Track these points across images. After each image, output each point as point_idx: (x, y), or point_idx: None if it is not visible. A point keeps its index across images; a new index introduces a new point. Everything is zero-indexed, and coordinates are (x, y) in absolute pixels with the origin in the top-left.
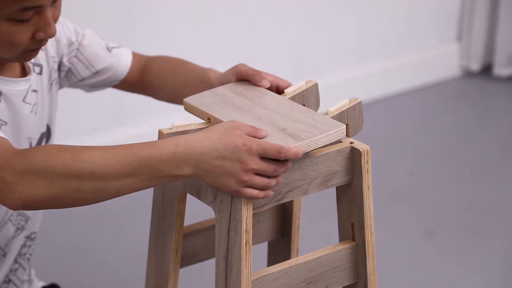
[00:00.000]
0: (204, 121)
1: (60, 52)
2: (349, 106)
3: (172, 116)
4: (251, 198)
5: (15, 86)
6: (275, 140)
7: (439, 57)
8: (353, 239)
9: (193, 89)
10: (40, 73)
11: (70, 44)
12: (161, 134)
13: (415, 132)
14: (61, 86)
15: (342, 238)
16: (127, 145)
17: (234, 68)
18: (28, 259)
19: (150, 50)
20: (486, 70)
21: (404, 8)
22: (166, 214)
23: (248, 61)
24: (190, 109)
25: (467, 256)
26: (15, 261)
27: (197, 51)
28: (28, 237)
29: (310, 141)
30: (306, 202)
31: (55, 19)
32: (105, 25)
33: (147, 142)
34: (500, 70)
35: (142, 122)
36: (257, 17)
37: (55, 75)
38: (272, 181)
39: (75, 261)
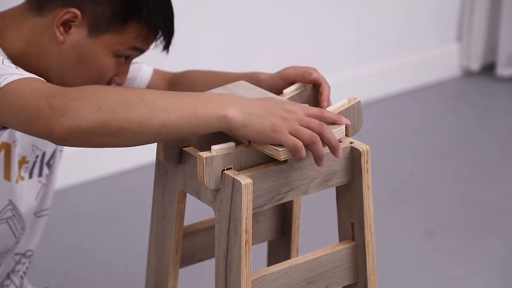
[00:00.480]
0: (244, 143)
1: None
2: (348, 106)
3: None
4: (292, 148)
5: None
6: None
7: (439, 57)
8: (353, 239)
9: None
10: None
11: None
12: (200, 159)
13: (415, 132)
14: None
15: (342, 238)
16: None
17: (282, 71)
18: (21, 277)
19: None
20: (487, 70)
21: (404, 8)
22: (166, 214)
23: (248, 61)
24: None
25: (467, 256)
26: (8, 276)
27: (196, 51)
28: (23, 255)
29: None
30: (306, 202)
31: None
32: None
33: None
34: (502, 70)
35: None
36: (257, 17)
37: None
38: (318, 143)
39: (75, 261)
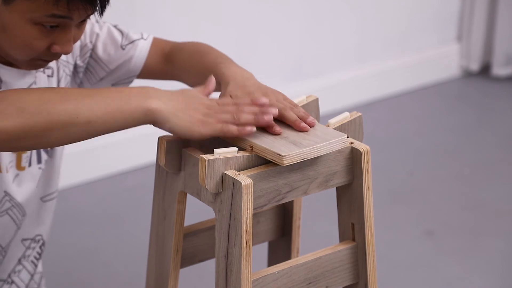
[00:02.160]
0: (246, 149)
1: (74, 54)
2: (349, 119)
3: None
4: (224, 134)
5: (18, 77)
6: (275, 146)
7: (439, 58)
8: (354, 239)
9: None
10: (52, 75)
11: (84, 46)
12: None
13: (415, 132)
14: (82, 86)
15: (342, 238)
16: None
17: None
18: (33, 263)
19: None
20: (487, 70)
21: (404, 9)
22: (166, 214)
23: (248, 61)
24: None
25: (467, 256)
26: (19, 262)
27: None
28: (33, 240)
29: (312, 148)
30: (306, 202)
31: (76, 39)
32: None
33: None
34: (498, 70)
35: None
36: (258, 17)
37: (66, 79)
38: (241, 114)
39: (75, 261)
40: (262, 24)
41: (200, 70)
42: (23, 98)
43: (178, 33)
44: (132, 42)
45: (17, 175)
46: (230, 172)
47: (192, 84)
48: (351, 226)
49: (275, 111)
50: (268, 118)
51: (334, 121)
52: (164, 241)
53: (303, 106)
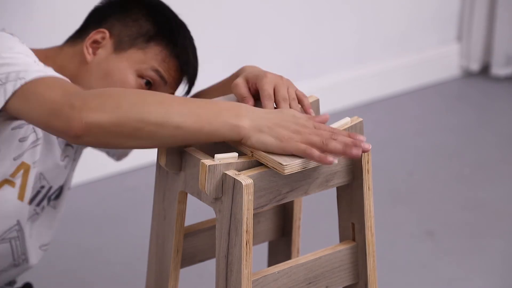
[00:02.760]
0: (247, 154)
1: None
2: (350, 125)
3: None
4: (302, 152)
5: None
6: (277, 155)
7: (439, 58)
8: (354, 239)
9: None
10: None
11: None
12: (204, 167)
13: (415, 133)
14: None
15: (342, 238)
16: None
17: (252, 76)
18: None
19: None
20: (487, 70)
21: (404, 9)
22: (166, 214)
23: (248, 61)
24: None
25: (467, 256)
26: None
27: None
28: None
29: None
30: (306, 202)
31: None
32: None
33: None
34: (498, 70)
35: None
36: (257, 17)
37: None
38: (331, 141)
39: (75, 261)
40: (262, 24)
41: None
42: (121, 96)
43: None
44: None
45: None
46: (231, 172)
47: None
48: (351, 226)
49: (368, 147)
50: (357, 152)
51: (335, 126)
52: (165, 241)
53: (348, 129)
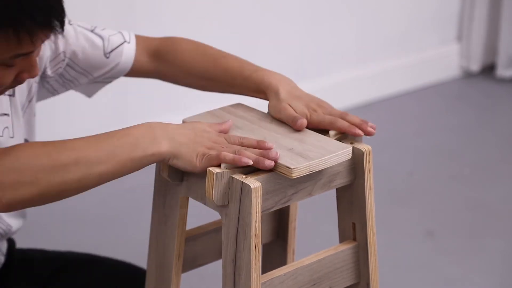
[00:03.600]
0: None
1: (42, 66)
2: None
3: (171, 117)
4: (225, 161)
5: None
6: (283, 159)
7: (439, 58)
8: (355, 239)
9: (238, 91)
10: (13, 94)
11: (57, 55)
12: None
13: (416, 133)
14: (56, 92)
15: (342, 239)
16: (107, 132)
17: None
18: None
19: None
20: (487, 70)
21: (404, 9)
22: (168, 219)
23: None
24: None
25: (467, 256)
26: None
27: None
28: None
29: (320, 160)
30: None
31: (36, 56)
32: (105, 25)
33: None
34: (503, 71)
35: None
36: (258, 18)
37: (34, 89)
38: (243, 149)
39: None
40: (262, 25)
41: (216, 75)
42: (36, 164)
43: (179, 34)
44: (116, 48)
45: None
46: (238, 176)
47: (195, 86)
48: (352, 226)
49: (275, 156)
50: (269, 164)
51: (334, 132)
52: (165, 246)
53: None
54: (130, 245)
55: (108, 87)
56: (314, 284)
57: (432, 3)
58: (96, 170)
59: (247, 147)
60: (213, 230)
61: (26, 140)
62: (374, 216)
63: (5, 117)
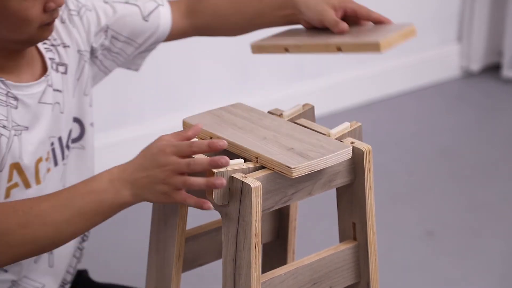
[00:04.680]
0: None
1: (90, 41)
2: (350, 130)
3: (171, 117)
4: (183, 203)
5: (28, 90)
6: (283, 158)
7: (440, 58)
8: (355, 239)
9: (268, 17)
10: (65, 72)
11: (100, 29)
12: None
13: (415, 133)
14: (107, 70)
15: (342, 238)
16: (71, 187)
17: (339, 2)
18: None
19: None
20: (487, 70)
21: (404, 9)
22: (168, 219)
23: (248, 61)
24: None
25: (467, 256)
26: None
27: (196, 50)
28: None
29: (320, 160)
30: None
31: None
32: None
33: (88, 178)
34: (508, 71)
35: (142, 123)
36: None
37: (82, 64)
38: (190, 178)
39: None
40: None
41: (245, 4)
42: (6, 233)
43: None
44: (153, 11)
45: (47, 179)
46: (238, 175)
47: (230, 29)
48: (352, 226)
49: (220, 182)
50: (221, 182)
51: (335, 131)
52: (166, 246)
53: (299, 115)
54: (130, 245)
55: (108, 87)
56: (315, 284)
57: (432, 3)
58: (66, 229)
59: (199, 152)
60: (213, 229)
61: (76, 119)
62: (374, 216)
63: (57, 92)
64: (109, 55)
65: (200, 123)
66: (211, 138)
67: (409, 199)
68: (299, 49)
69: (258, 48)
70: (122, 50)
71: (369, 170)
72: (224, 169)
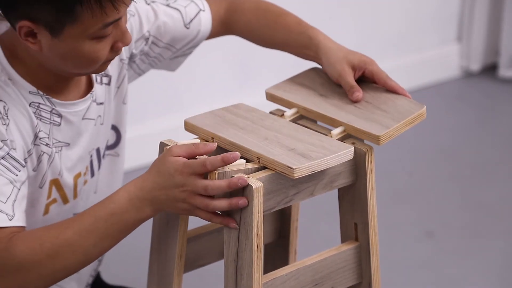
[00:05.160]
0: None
1: (131, 48)
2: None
3: (172, 117)
4: (210, 221)
5: (73, 108)
6: (285, 159)
7: (439, 58)
8: (356, 239)
9: (293, 49)
10: (109, 83)
11: (142, 35)
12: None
13: (415, 132)
14: (142, 72)
15: (344, 239)
16: (90, 210)
17: (359, 62)
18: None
19: None
20: (487, 70)
21: (404, 9)
22: (169, 219)
23: (248, 61)
24: (192, 129)
25: (467, 256)
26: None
27: (197, 49)
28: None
29: (321, 160)
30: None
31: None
32: None
33: (106, 199)
34: (505, 71)
35: (143, 123)
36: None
37: (123, 73)
38: (212, 203)
39: None
40: None
41: (276, 31)
42: (38, 262)
43: None
44: (194, 18)
45: (83, 191)
46: (239, 176)
47: (259, 43)
48: (354, 226)
49: (244, 183)
50: (243, 202)
51: (336, 132)
52: (167, 247)
53: (301, 115)
54: (131, 245)
55: None
56: (316, 284)
57: (432, 3)
58: (93, 252)
59: (213, 170)
60: (215, 230)
61: (113, 126)
62: (376, 216)
63: (100, 106)
64: (147, 59)
65: (204, 123)
66: (212, 138)
67: (409, 199)
68: (307, 113)
69: (271, 97)
70: (160, 54)
71: (371, 170)
72: (226, 169)
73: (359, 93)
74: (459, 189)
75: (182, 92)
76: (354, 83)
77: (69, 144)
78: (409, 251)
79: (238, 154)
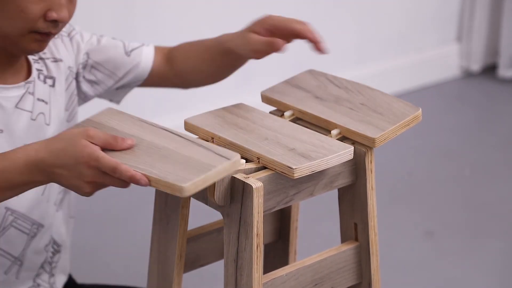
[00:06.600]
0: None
1: (78, 62)
2: None
3: (172, 117)
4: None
5: (5, 93)
6: (285, 159)
7: (439, 58)
8: (356, 239)
9: (220, 63)
10: (53, 85)
11: (82, 58)
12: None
13: (415, 132)
14: (86, 98)
15: (344, 239)
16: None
17: (257, 23)
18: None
19: None
20: (487, 70)
21: (404, 9)
22: (169, 219)
23: (248, 61)
24: (192, 129)
25: (467, 256)
26: (41, 266)
27: None
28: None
29: (321, 160)
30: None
31: (70, 12)
32: (105, 24)
33: (2, 154)
34: (504, 71)
35: None
36: (256, 17)
37: (70, 81)
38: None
39: (76, 262)
40: None
41: (203, 52)
42: None
43: (178, 33)
44: (136, 48)
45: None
46: (240, 176)
47: (202, 79)
48: (354, 226)
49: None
50: (145, 182)
51: (336, 132)
52: (167, 247)
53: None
54: (131, 246)
55: None
56: (316, 285)
57: (432, 3)
58: None
59: (118, 181)
60: (214, 230)
61: None
62: (376, 216)
63: (42, 103)
64: (89, 85)
65: (204, 123)
66: (212, 138)
67: (409, 199)
68: (302, 115)
69: (266, 99)
70: (102, 81)
71: (371, 170)
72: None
73: (276, 41)
74: (459, 189)
75: (182, 92)
76: (265, 39)
77: (2, 130)
78: (409, 251)
79: (147, 181)
